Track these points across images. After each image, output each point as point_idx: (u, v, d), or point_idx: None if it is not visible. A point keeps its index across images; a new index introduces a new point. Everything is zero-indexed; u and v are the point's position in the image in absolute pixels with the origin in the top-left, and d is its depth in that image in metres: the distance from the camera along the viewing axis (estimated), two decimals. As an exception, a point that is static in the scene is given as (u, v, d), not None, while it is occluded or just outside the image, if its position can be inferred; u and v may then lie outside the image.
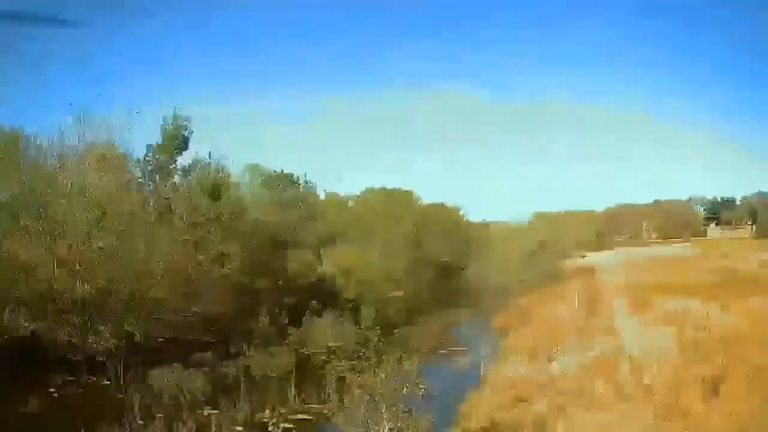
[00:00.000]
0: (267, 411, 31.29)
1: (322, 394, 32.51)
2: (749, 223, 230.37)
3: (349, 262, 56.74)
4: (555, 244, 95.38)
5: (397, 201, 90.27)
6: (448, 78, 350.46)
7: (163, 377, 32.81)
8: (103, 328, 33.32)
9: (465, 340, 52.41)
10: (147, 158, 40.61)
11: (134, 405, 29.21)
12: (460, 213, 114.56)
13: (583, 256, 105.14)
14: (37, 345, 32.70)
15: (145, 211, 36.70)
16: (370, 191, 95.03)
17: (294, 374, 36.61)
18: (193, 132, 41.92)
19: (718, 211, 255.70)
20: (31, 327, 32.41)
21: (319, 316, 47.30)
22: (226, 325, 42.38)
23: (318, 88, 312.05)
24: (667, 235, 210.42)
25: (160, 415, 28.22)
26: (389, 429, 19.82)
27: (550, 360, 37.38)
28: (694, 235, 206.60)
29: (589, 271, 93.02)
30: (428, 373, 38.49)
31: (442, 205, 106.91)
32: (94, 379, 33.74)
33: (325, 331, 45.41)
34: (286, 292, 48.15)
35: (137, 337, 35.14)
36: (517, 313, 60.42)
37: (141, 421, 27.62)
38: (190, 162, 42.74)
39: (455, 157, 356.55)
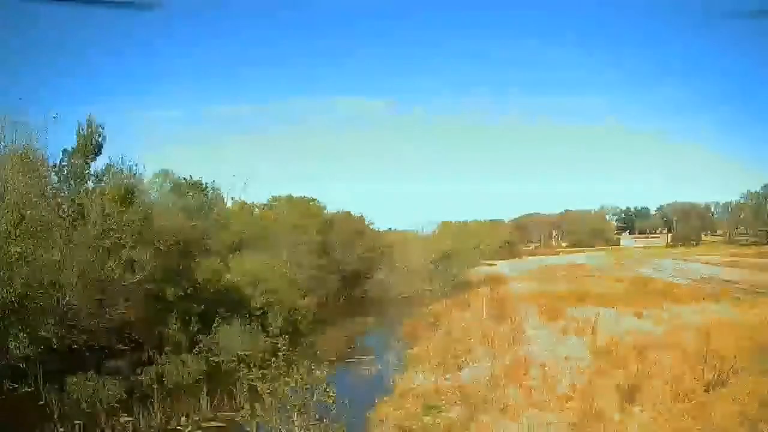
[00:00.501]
0: (181, 418, 32.13)
1: (234, 402, 33.80)
2: (663, 231, 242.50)
3: (256, 270, 57.96)
4: (462, 253, 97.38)
5: (302, 209, 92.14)
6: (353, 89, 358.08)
7: (80, 384, 33.58)
8: (22, 334, 33.16)
9: (373, 348, 54.05)
10: (62, 163, 41.88)
11: (54, 412, 30.30)
12: (365, 221, 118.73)
13: (491, 265, 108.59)
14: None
15: (60, 217, 37.23)
16: (276, 199, 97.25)
17: (205, 382, 38.32)
18: (106, 138, 43.23)
19: (632, 221, 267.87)
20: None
21: (228, 324, 48.59)
22: (138, 332, 43.70)
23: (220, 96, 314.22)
24: (577, 243, 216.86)
25: (78, 422, 28.74)
26: (302, 437, 20.36)
27: (459, 368, 38.72)
28: (606, 244, 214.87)
29: (498, 280, 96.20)
30: (337, 382, 41.76)
31: (347, 214, 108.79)
32: (16, 386, 34.07)
33: (234, 339, 46.96)
34: (196, 300, 49.15)
35: (54, 344, 35.32)
36: (425, 321, 62.63)
37: (61, 429, 28.54)
38: (103, 167, 43.59)
39: (362, 167, 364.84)
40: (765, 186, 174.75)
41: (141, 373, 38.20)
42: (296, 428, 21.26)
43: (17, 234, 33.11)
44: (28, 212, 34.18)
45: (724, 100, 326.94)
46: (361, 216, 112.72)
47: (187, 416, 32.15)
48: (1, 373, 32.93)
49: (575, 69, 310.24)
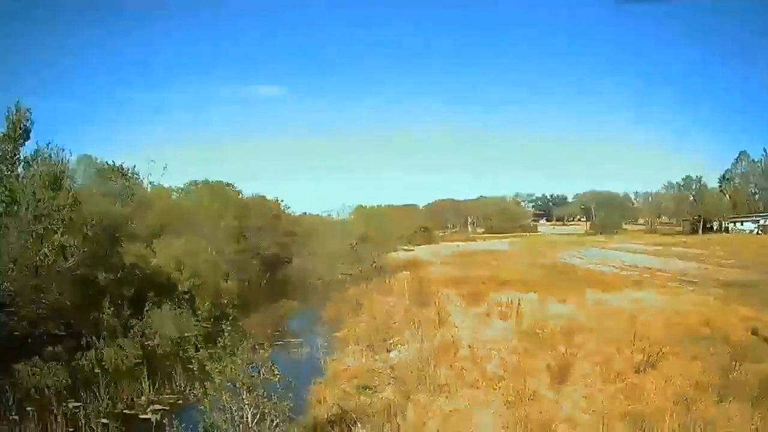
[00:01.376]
0: (126, 401, 33.42)
1: (173, 385, 36.03)
2: (582, 219, 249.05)
3: (181, 255, 59.82)
4: (379, 237, 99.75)
5: (218, 193, 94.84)
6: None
7: (27, 371, 35.09)
8: None
9: (299, 331, 56.67)
10: None
11: (7, 400, 31.03)
12: (281, 205, 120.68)
13: (409, 250, 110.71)
14: None
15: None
16: (194, 183, 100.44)
17: (144, 365, 39.74)
18: (34, 123, 42.60)
19: (549, 208, 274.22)
20: None
21: (159, 307, 50.51)
22: (73, 317, 43.96)
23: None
24: (493, 229, 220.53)
25: (30, 408, 29.68)
26: (252, 414, 22.22)
27: (387, 350, 41.10)
28: (523, 231, 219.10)
29: (417, 265, 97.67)
30: (282, 362, 44.45)
31: (262, 198, 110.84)
32: None
33: (166, 323, 49.18)
34: (126, 285, 50.36)
35: None
36: (347, 304, 64.62)
37: (15, 416, 29.09)
38: (32, 153, 43.31)
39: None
40: (686, 177, 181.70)
41: (81, 358, 39.86)
42: (246, 406, 22.46)
43: None
44: None
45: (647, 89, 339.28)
46: (276, 200, 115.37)
47: (131, 400, 33.76)
48: None
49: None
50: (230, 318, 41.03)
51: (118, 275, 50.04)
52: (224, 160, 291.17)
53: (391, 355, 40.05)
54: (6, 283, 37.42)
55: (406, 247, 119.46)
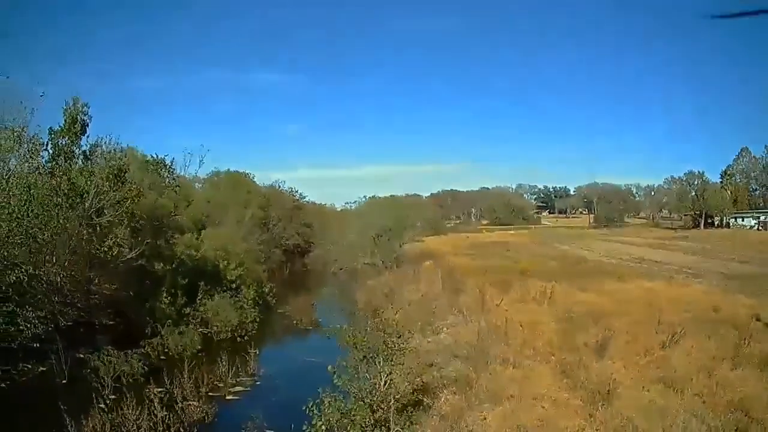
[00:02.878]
0: (208, 384, 36.01)
1: (248, 367, 40.40)
2: (583, 212, 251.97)
3: (226, 245, 62.65)
4: (395, 228, 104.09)
5: (241, 184, 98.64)
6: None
7: (103, 360, 36.98)
8: (31, 314, 34.65)
9: (338, 318, 58.57)
10: (51, 142, 42.57)
11: (83, 390, 32.98)
12: (297, 196, 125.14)
13: (419, 241, 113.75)
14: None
15: (57, 196, 38.15)
16: (216, 174, 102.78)
17: (207, 351, 43.97)
18: (92, 117, 44.32)
19: (551, 200, 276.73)
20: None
21: (210, 296, 53.50)
22: (132, 307, 46.17)
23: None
24: (497, 221, 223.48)
25: (112, 396, 32.42)
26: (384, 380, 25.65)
27: (436, 333, 44.75)
28: (527, 223, 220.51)
29: (432, 255, 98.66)
30: (327, 346, 48.25)
31: (279, 189, 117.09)
32: (29, 366, 35.23)
33: (221, 310, 52.16)
34: (179, 275, 52.52)
35: (61, 322, 37.39)
36: (379, 292, 68.60)
37: (102, 405, 30.60)
38: (90, 146, 44.94)
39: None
40: (688, 172, 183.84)
41: (145, 346, 42.75)
42: (380, 373, 26.32)
43: (25, 213, 35.33)
44: (32, 191, 36.38)
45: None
46: (296, 191, 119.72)
47: (213, 382, 37.20)
48: (10, 354, 34.49)
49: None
50: (269, 306, 43.91)
51: (173, 265, 52.36)
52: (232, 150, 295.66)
53: (441, 336, 43.56)
54: (67, 275, 38.84)
55: (416, 239, 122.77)
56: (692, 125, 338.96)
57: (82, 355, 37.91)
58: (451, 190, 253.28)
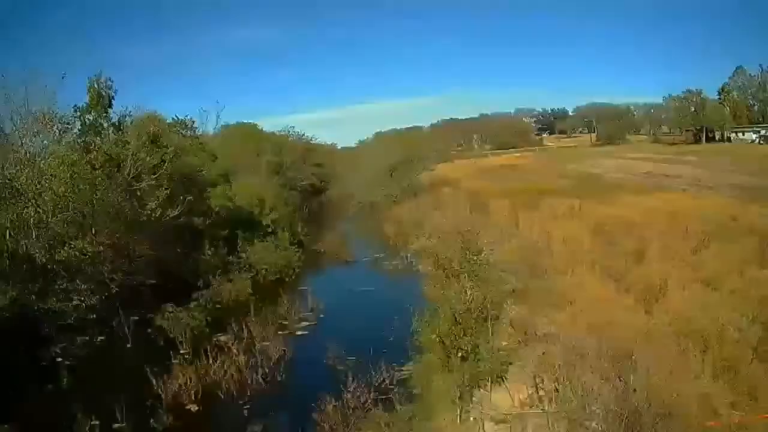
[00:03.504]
0: (275, 324, 37.58)
1: (305, 305, 42.07)
2: (583, 131, 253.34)
3: (257, 193, 64.24)
4: (407, 159, 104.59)
5: (252, 134, 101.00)
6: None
7: (166, 318, 37.85)
8: (83, 287, 34.91)
9: (372, 250, 62.25)
10: (78, 118, 42.11)
11: (163, 347, 34.45)
12: (307, 139, 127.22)
13: (432, 169, 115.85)
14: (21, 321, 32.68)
15: (95, 169, 38.33)
16: (226, 127, 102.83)
17: (259, 295, 45.35)
18: (117, 91, 43.59)
19: (551, 122, 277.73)
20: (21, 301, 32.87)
21: (250, 243, 54.99)
22: (179, 264, 46.59)
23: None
24: (500, 146, 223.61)
25: (184, 351, 33.48)
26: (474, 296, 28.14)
27: (477, 252, 43.55)
28: (529, 145, 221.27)
29: (447, 182, 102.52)
30: (378, 274, 50.78)
31: (289, 134, 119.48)
32: (86, 339, 34.63)
33: (262, 255, 53.43)
34: (217, 227, 53.37)
35: (113, 289, 37.50)
36: (404, 222, 71.57)
37: (175, 360, 31.85)
38: (118, 117, 44.12)
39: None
40: (686, 91, 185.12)
41: (198, 299, 42.70)
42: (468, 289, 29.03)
43: (72, 192, 36.01)
44: (75, 169, 36.70)
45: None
46: (305, 135, 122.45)
47: (277, 323, 38.38)
48: (67, 330, 34.05)
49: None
50: (305, 244, 45.15)
51: (210, 218, 53.08)
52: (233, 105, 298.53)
53: (482, 256, 43.51)
54: (109, 243, 39.17)
55: (428, 167, 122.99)
56: (687, 45, 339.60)
57: (137, 318, 38.73)
58: (451, 118, 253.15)
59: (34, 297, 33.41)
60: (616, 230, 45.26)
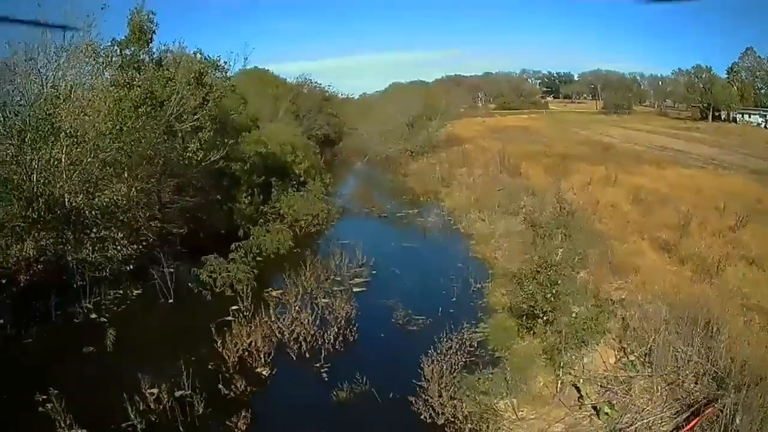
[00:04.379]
0: (327, 278, 36.14)
1: (354, 259, 39.75)
2: (587, 97, 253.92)
3: (288, 139, 64.72)
4: (423, 113, 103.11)
5: (269, 80, 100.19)
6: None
7: (214, 270, 35.42)
8: (120, 234, 34.80)
9: (401, 205, 62.21)
10: (119, 52, 40.45)
11: (209, 301, 33.14)
12: (328, 89, 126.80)
13: (444, 126, 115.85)
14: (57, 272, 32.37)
15: (138, 105, 37.04)
16: (244, 72, 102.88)
17: (300, 246, 44.49)
18: (158, 24, 42.38)
19: (556, 86, 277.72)
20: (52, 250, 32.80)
21: (283, 192, 54.59)
22: (217, 212, 44.90)
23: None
24: (504, 106, 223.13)
25: (237, 307, 30.35)
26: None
27: (515, 214, 48.83)
28: (535, 108, 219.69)
29: (461, 139, 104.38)
30: (414, 232, 51.02)
31: (306, 82, 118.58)
32: (121, 292, 33.79)
33: (303, 204, 53.22)
34: (251, 174, 52.09)
35: (150, 238, 37.63)
36: (429, 177, 72.04)
37: (230, 317, 29.77)
38: (159, 53, 43.50)
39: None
40: (695, 66, 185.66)
41: (238, 249, 39.40)
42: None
43: (119, 129, 35.14)
44: (120, 106, 35.93)
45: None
46: (320, 83, 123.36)
47: (325, 275, 36.51)
48: (101, 283, 33.16)
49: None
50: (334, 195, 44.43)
51: (246, 165, 51.59)
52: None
53: (521, 218, 47.78)
54: (148, 189, 39.07)
55: (441, 123, 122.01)
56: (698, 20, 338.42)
57: (173, 270, 35.19)
58: (456, 75, 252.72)
59: (68, 246, 33.19)
60: (653, 202, 47.44)
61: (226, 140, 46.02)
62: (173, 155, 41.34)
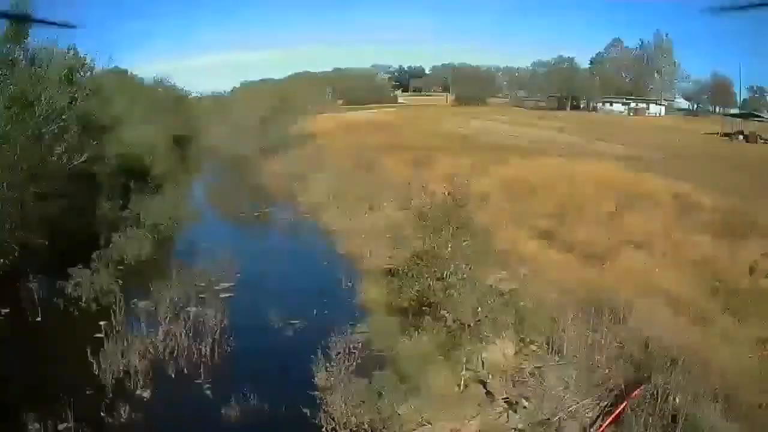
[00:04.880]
0: (196, 287, 34.63)
1: (218, 268, 38.18)
2: (437, 90, 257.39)
3: (148, 141, 64.10)
4: (275, 112, 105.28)
5: (125, 82, 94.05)
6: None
7: (78, 284, 33.97)
8: None
9: (261, 204, 62.52)
10: None
11: (78, 317, 31.38)
12: (179, 88, 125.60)
13: (299, 123, 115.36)
14: None
15: (7, 107, 34.89)
16: (102, 72, 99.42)
17: (161, 253, 44.41)
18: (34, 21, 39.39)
19: (406, 80, 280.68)
20: None
21: (143, 195, 53.50)
22: (71, 219, 40.57)
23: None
24: (355, 101, 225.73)
25: (108, 323, 28.89)
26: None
27: (379, 209, 49.28)
28: (386, 102, 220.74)
29: (317, 136, 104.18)
30: (284, 231, 50.91)
31: (161, 82, 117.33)
32: None
33: (163, 208, 52.09)
34: (112, 177, 50.92)
35: (15, 250, 34.19)
36: (284, 177, 72.21)
37: (102, 335, 27.87)
38: (32, 51, 40.07)
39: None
40: (557, 57, 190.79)
41: (99, 258, 38.09)
42: None
43: None
44: None
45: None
46: (175, 84, 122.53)
47: (199, 285, 35.30)
48: None
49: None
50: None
51: (109, 168, 50.51)
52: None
53: (387, 213, 48.22)
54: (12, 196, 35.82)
55: (292, 121, 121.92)
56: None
57: (36, 284, 34.14)
58: (306, 72, 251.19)
59: None
60: (524, 191, 48.28)
61: (92, 141, 44.34)
62: (39, 159, 38.29)
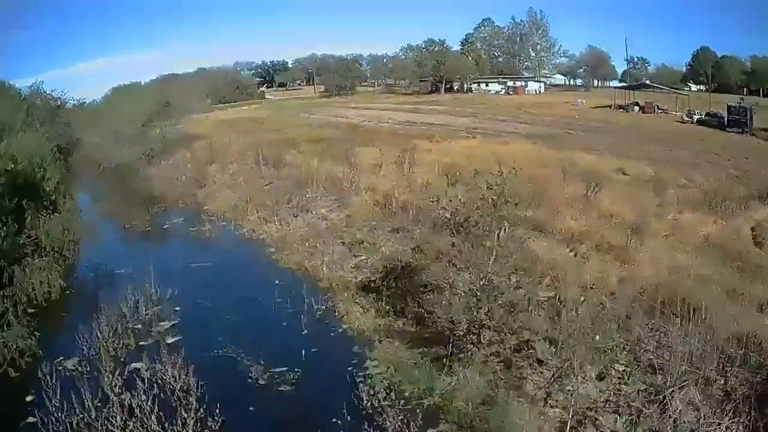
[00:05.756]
0: (120, 329, 27.94)
1: (149, 300, 31.29)
2: (301, 83, 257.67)
3: (37, 153, 57.16)
4: (150, 115, 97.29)
5: (5, 92, 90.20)
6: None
7: None
8: None
9: (160, 214, 57.88)
10: None
11: None
12: (56, 97, 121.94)
13: (176, 125, 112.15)
14: None
15: None
16: None
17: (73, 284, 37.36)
18: None
19: (270, 75, 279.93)
20: None
21: (38, 216, 44.89)
22: None
23: None
24: (221, 100, 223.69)
25: (30, 398, 21.46)
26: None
27: (307, 211, 47.10)
28: (252, 98, 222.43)
29: (197, 137, 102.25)
30: (205, 244, 45.98)
31: (39, 91, 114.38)
32: None
33: (60, 229, 44.37)
34: (2, 196, 41.56)
35: None
36: (177, 180, 68.63)
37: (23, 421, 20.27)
38: None
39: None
40: (427, 41, 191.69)
41: (3, 302, 30.41)
42: None
43: None
44: None
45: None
46: (53, 93, 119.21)
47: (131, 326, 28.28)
48: None
49: None
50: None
51: None
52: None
53: (324, 212, 46.38)
54: None
55: (172, 123, 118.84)
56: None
57: None
58: (170, 74, 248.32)
59: None
60: (455, 173, 45.26)
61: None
62: None
